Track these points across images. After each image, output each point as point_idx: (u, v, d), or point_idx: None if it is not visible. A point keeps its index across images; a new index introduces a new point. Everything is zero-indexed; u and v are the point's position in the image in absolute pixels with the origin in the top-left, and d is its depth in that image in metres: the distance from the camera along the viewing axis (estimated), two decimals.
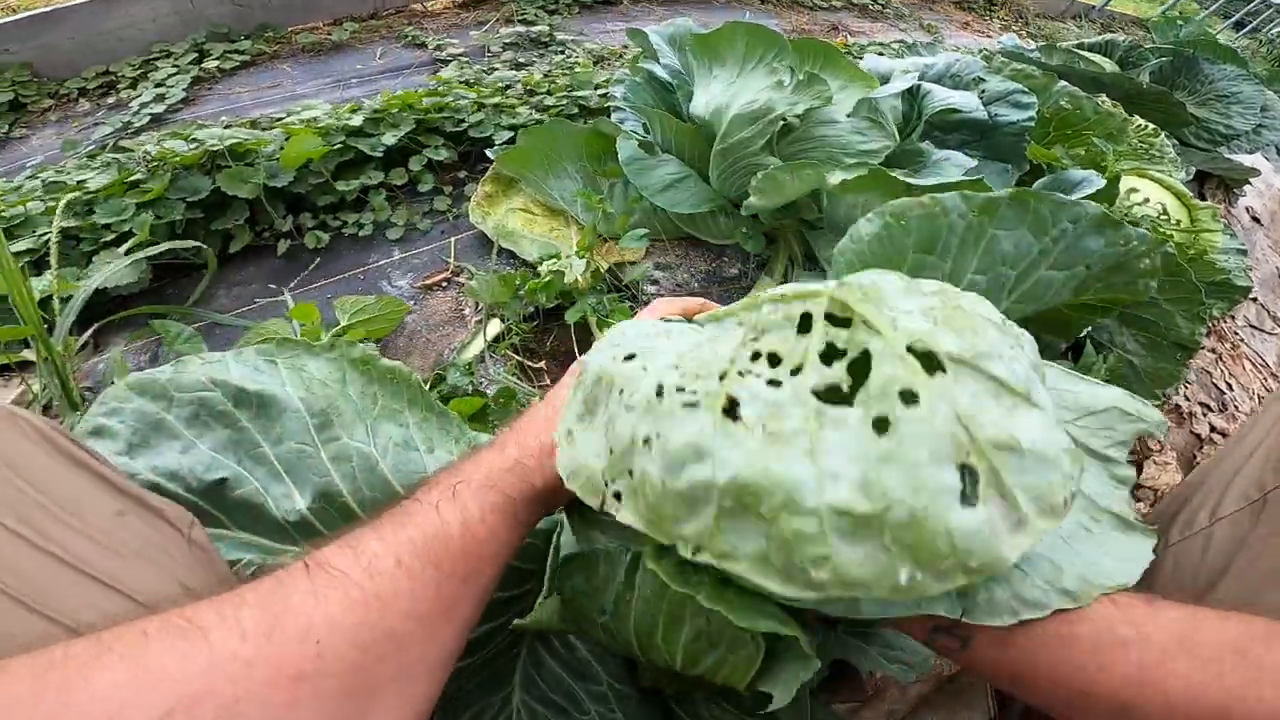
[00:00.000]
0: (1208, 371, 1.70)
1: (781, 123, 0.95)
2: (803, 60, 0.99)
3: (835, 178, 0.91)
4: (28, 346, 0.92)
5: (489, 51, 1.95)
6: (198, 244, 1.03)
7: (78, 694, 0.27)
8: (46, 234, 1.04)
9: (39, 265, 1.02)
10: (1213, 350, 1.79)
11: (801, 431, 0.32)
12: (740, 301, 0.48)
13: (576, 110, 1.47)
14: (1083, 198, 0.93)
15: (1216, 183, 2.87)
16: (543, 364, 1.00)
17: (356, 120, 1.28)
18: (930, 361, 0.33)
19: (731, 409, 0.34)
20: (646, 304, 1.04)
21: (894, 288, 0.40)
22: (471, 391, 0.88)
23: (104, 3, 1.77)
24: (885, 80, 1.24)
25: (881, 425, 0.32)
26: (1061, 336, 0.86)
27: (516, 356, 0.98)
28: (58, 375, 0.75)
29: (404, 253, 1.19)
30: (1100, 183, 0.97)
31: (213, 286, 1.10)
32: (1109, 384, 0.59)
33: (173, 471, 0.64)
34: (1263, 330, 2.00)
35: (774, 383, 0.34)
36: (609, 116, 1.35)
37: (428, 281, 1.11)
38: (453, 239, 1.21)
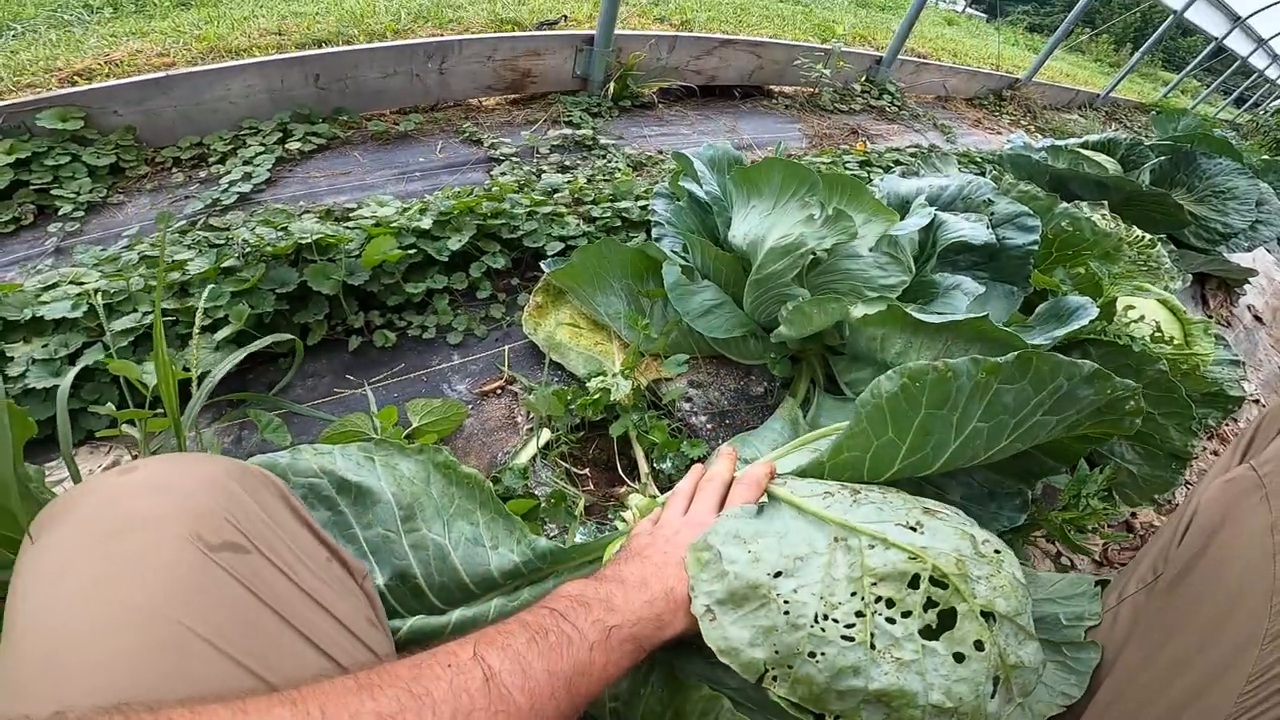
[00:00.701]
0: (1204, 467, 1.76)
1: (811, 257, 1.08)
2: (831, 194, 1.12)
3: (857, 311, 1.04)
4: (130, 423, 1.05)
5: (538, 152, 2.15)
6: (291, 336, 1.16)
7: None
8: (148, 312, 1.18)
9: (137, 344, 1.14)
10: (1214, 453, 1.86)
11: (915, 660, 0.57)
12: (799, 445, 0.89)
13: (619, 222, 1.64)
14: (1079, 325, 1.06)
15: (1217, 282, 2.96)
16: (586, 471, 1.12)
17: (426, 223, 1.44)
18: (989, 618, 0.59)
19: (871, 642, 0.57)
20: (682, 420, 1.19)
21: (971, 558, 0.62)
22: (524, 493, 1.00)
23: (209, 75, 1.93)
24: (905, 206, 1.39)
25: (959, 658, 0.57)
26: (1063, 461, 0.96)
27: (564, 464, 1.11)
28: None
29: (462, 358, 1.33)
30: (1094, 312, 1.09)
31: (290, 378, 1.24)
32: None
33: None
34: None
35: (891, 620, 0.58)
36: (649, 231, 1.52)
37: (484, 389, 1.25)
38: (506, 347, 1.35)
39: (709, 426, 1.21)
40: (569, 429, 1.12)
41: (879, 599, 0.58)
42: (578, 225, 1.58)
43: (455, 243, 1.43)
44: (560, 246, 1.51)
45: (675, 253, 1.35)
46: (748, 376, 1.31)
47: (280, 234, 1.31)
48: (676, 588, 0.61)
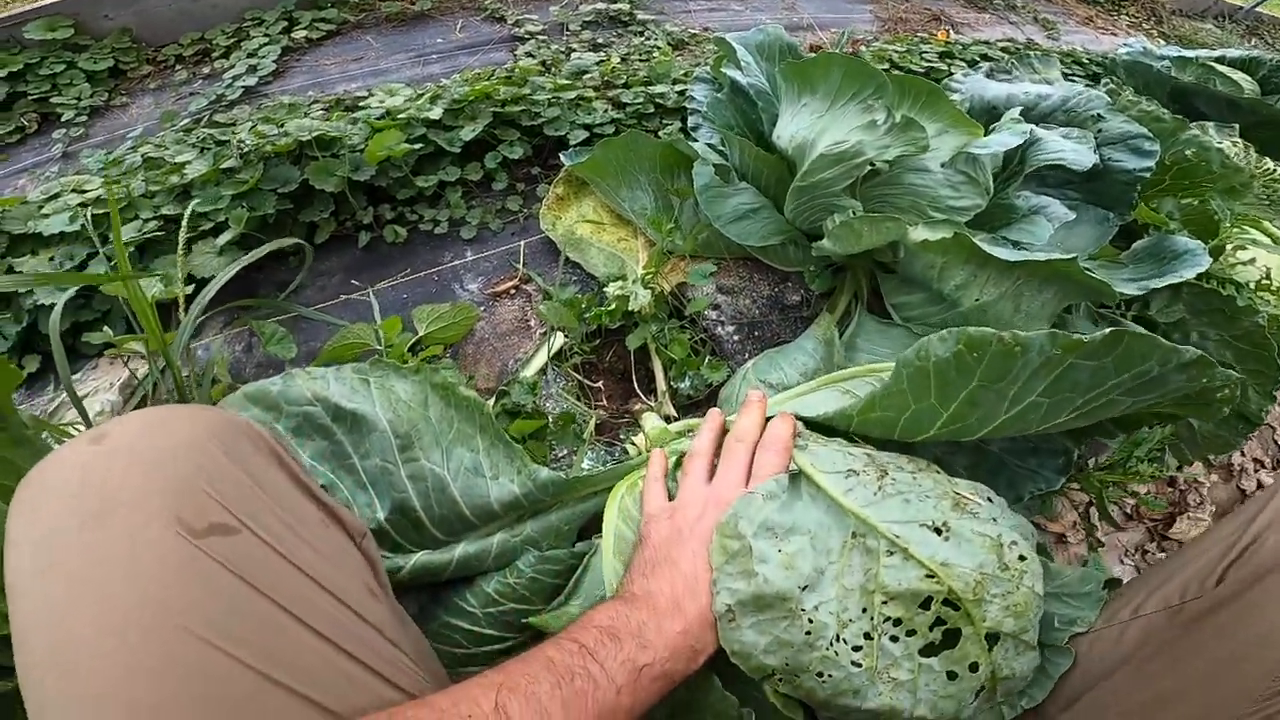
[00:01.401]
0: (1271, 426, 1.61)
1: (869, 167, 0.91)
2: (902, 97, 0.92)
3: (917, 234, 0.88)
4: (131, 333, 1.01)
5: (567, 29, 1.91)
6: (299, 241, 1.09)
7: None
8: (150, 218, 1.12)
9: (143, 251, 1.09)
10: None
11: (910, 680, 0.57)
12: (829, 383, 0.82)
13: (653, 109, 1.45)
14: (1185, 275, 0.88)
15: None
16: (600, 383, 1.04)
17: (436, 112, 1.30)
18: (993, 639, 0.58)
19: (875, 664, 0.57)
20: (707, 330, 1.07)
21: (992, 576, 0.58)
22: (532, 410, 0.92)
23: None
24: (991, 113, 1.16)
25: (952, 675, 0.57)
26: (1127, 430, 0.85)
27: (576, 375, 1.02)
28: (176, 382, 0.83)
29: (476, 254, 1.23)
30: (1204, 263, 0.90)
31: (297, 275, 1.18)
32: None
33: None
34: None
35: (895, 639, 0.57)
36: (685, 119, 1.34)
37: (497, 289, 1.15)
38: (522, 242, 1.23)
39: (736, 338, 1.09)
40: (583, 337, 1.03)
41: (888, 619, 0.57)
42: (605, 111, 1.41)
43: (468, 133, 1.29)
44: (585, 135, 1.34)
45: (711, 146, 1.18)
46: (783, 283, 1.18)
47: (279, 131, 1.21)
48: (705, 593, 0.58)
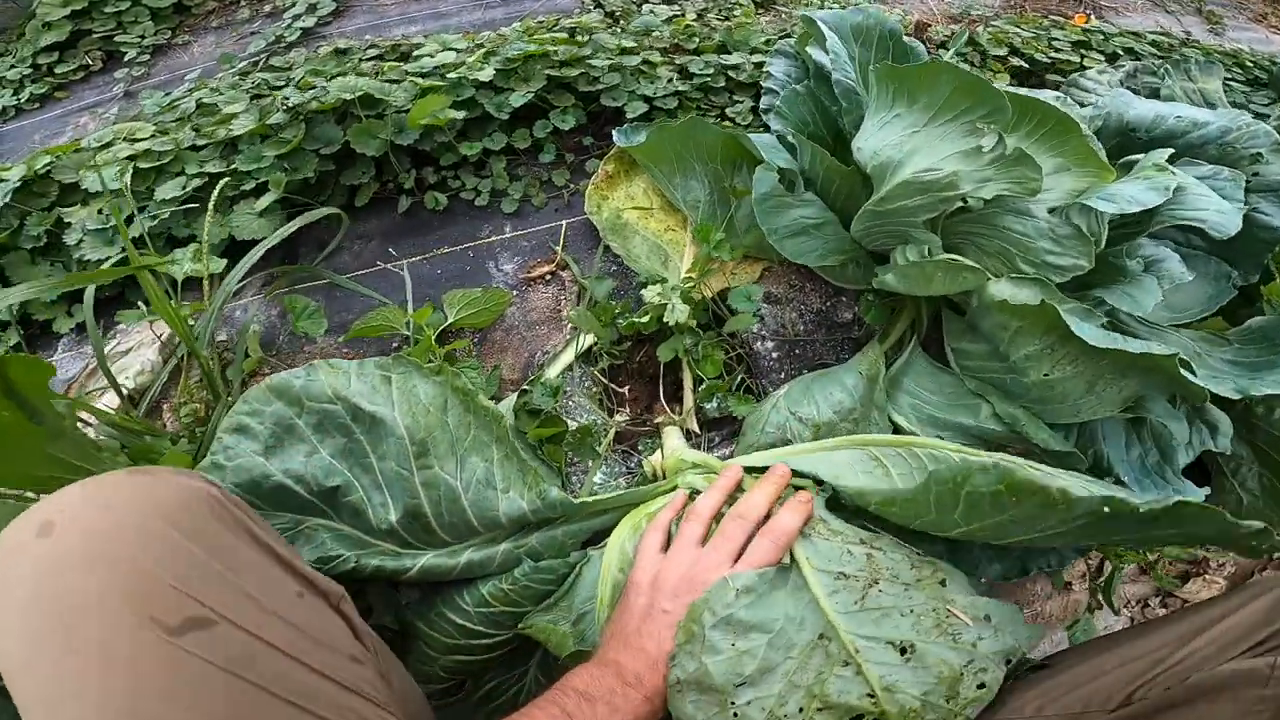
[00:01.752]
0: None
1: (959, 203, 0.80)
2: (1021, 121, 0.77)
3: (998, 291, 0.78)
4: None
5: None
6: (334, 210, 1.07)
7: None
8: (195, 174, 1.11)
9: (187, 211, 1.09)
10: None
11: None
12: (856, 444, 0.78)
13: (723, 82, 1.33)
14: None
15: None
16: (626, 387, 1.00)
17: (487, 73, 1.22)
18: None
19: None
20: (745, 345, 1.02)
21: (934, 705, 0.59)
22: (551, 414, 0.91)
23: None
24: (1126, 137, 0.98)
25: None
26: None
27: (603, 380, 0.99)
28: (203, 369, 0.84)
29: (515, 230, 1.18)
30: None
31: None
32: None
33: (299, 475, 0.75)
34: None
35: None
36: (760, 97, 1.22)
37: (532, 274, 1.12)
38: (564, 222, 1.18)
39: (774, 355, 1.03)
40: (611, 342, 0.99)
41: None
42: (670, 81, 1.30)
43: (519, 98, 1.22)
44: (644, 108, 1.25)
45: (781, 139, 1.08)
46: (836, 297, 1.09)
47: (323, 88, 1.17)
48: (666, 665, 0.62)
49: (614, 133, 1.16)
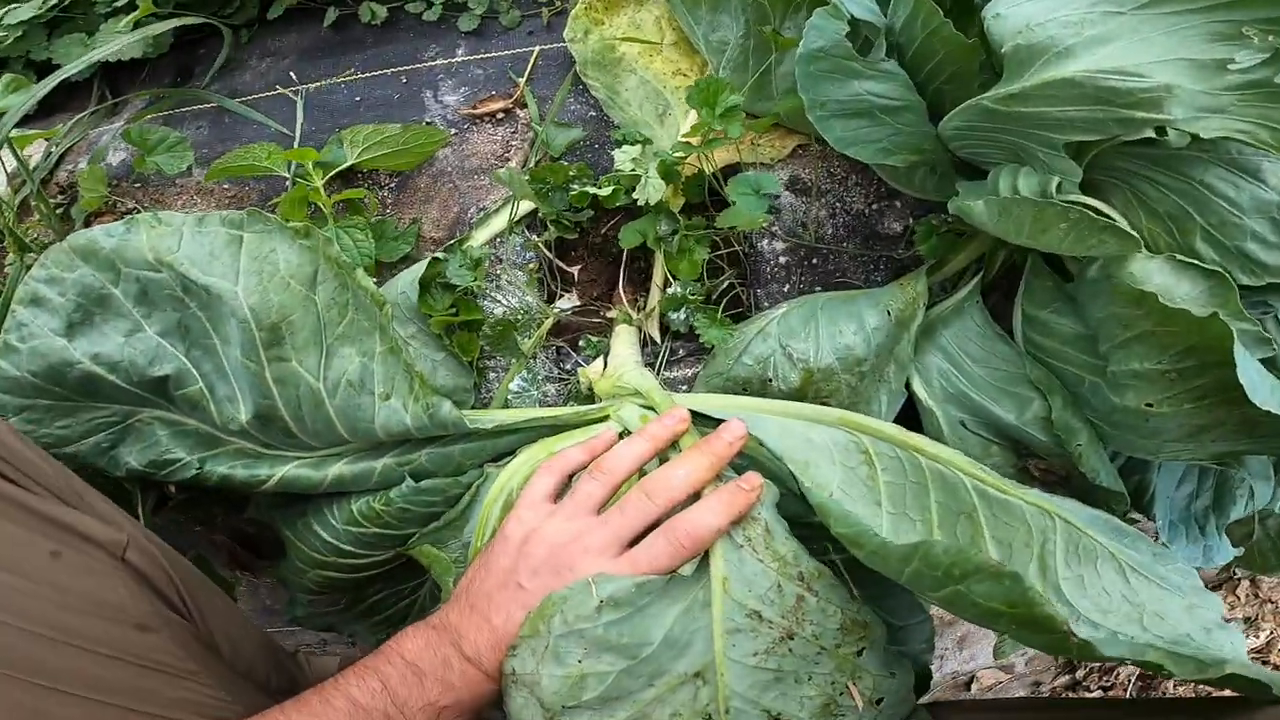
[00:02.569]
0: None
1: (1149, 132, 0.51)
2: None
3: (1146, 274, 0.53)
4: None
5: None
6: (206, 18, 0.83)
7: None
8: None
9: (51, 27, 0.87)
10: None
11: None
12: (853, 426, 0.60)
13: None
14: None
15: None
16: (576, 269, 0.78)
17: None
18: None
19: None
20: (748, 241, 0.76)
21: None
22: (468, 295, 0.71)
23: None
24: None
25: None
26: None
27: (547, 254, 0.77)
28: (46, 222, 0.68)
29: (470, 53, 0.90)
30: None
31: (243, 53, 0.92)
32: None
33: (114, 363, 0.60)
34: None
35: None
36: None
37: (478, 109, 0.85)
38: (537, 48, 0.89)
39: (782, 262, 0.77)
40: (563, 208, 0.76)
41: None
42: None
43: None
44: None
45: None
46: (888, 200, 0.79)
47: None
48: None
49: None
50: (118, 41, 0.77)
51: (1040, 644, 0.45)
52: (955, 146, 0.68)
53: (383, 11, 0.93)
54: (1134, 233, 0.53)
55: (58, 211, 0.77)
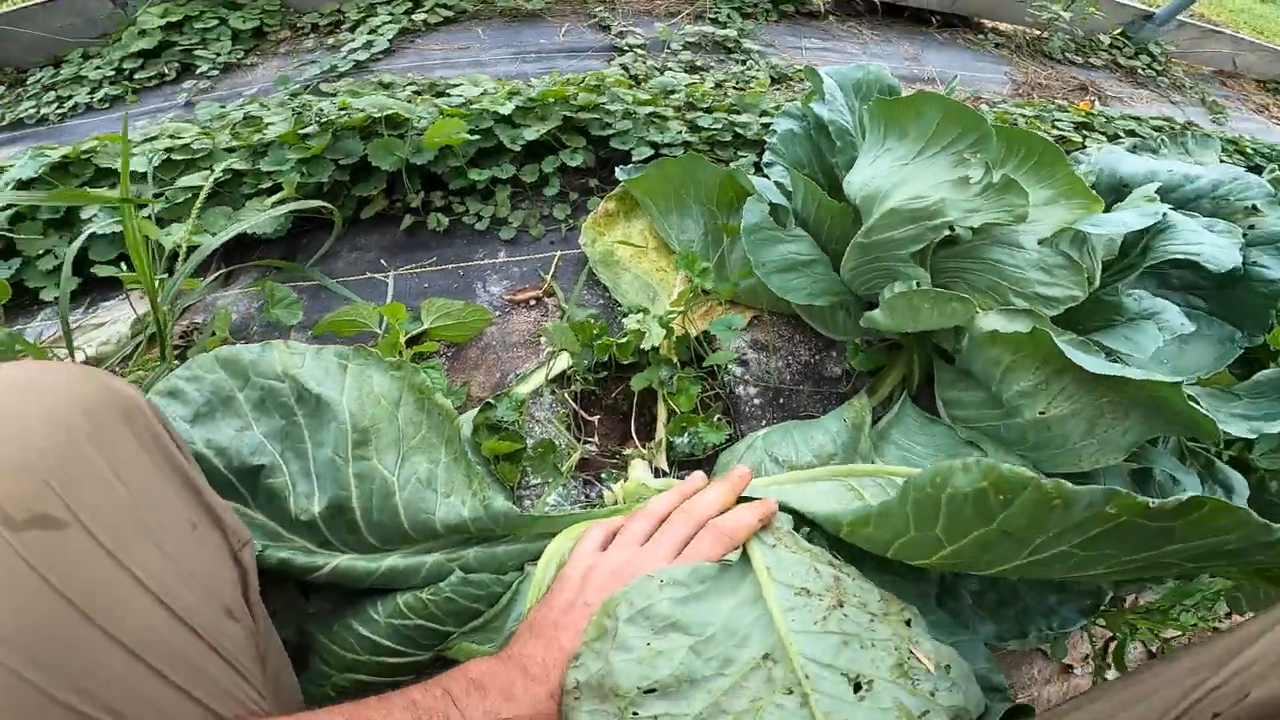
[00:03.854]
0: None
1: (946, 232, 0.78)
2: (1009, 154, 0.78)
3: (987, 322, 0.75)
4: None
5: (669, 47, 1.88)
6: (327, 204, 1.09)
7: None
8: (222, 169, 1.15)
9: (208, 200, 1.11)
10: None
11: None
12: (835, 475, 0.71)
13: (730, 137, 1.37)
14: None
15: None
16: (597, 417, 0.96)
17: (508, 108, 1.28)
18: None
19: None
20: (727, 388, 0.98)
21: None
22: (513, 431, 0.86)
23: None
24: (1121, 191, 0.99)
25: None
26: (1178, 578, 0.71)
27: (573, 404, 0.95)
28: (158, 327, 0.83)
29: (509, 255, 1.19)
30: None
31: (338, 245, 1.18)
32: None
33: (222, 448, 0.69)
34: None
35: None
36: (761, 153, 1.25)
37: (517, 296, 1.11)
38: (559, 253, 1.18)
39: (756, 403, 0.98)
40: (591, 366, 0.96)
41: None
42: (679, 132, 1.34)
43: (533, 133, 1.27)
44: (650, 153, 1.29)
45: (780, 185, 1.09)
46: (826, 351, 1.06)
47: (356, 106, 1.23)
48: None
49: (618, 170, 1.18)
50: (259, 217, 0.99)
51: (1026, 505, 0.47)
52: (855, 286, 0.95)
53: (446, 221, 1.22)
54: (969, 298, 0.75)
55: (174, 353, 0.92)
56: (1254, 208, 0.88)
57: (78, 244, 0.84)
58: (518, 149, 1.26)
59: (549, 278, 1.14)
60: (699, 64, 1.81)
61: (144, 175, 1.13)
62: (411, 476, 0.73)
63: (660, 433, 0.92)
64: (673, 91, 1.51)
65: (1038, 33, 2.76)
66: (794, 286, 0.92)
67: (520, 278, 1.15)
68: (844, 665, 0.51)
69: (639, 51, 1.81)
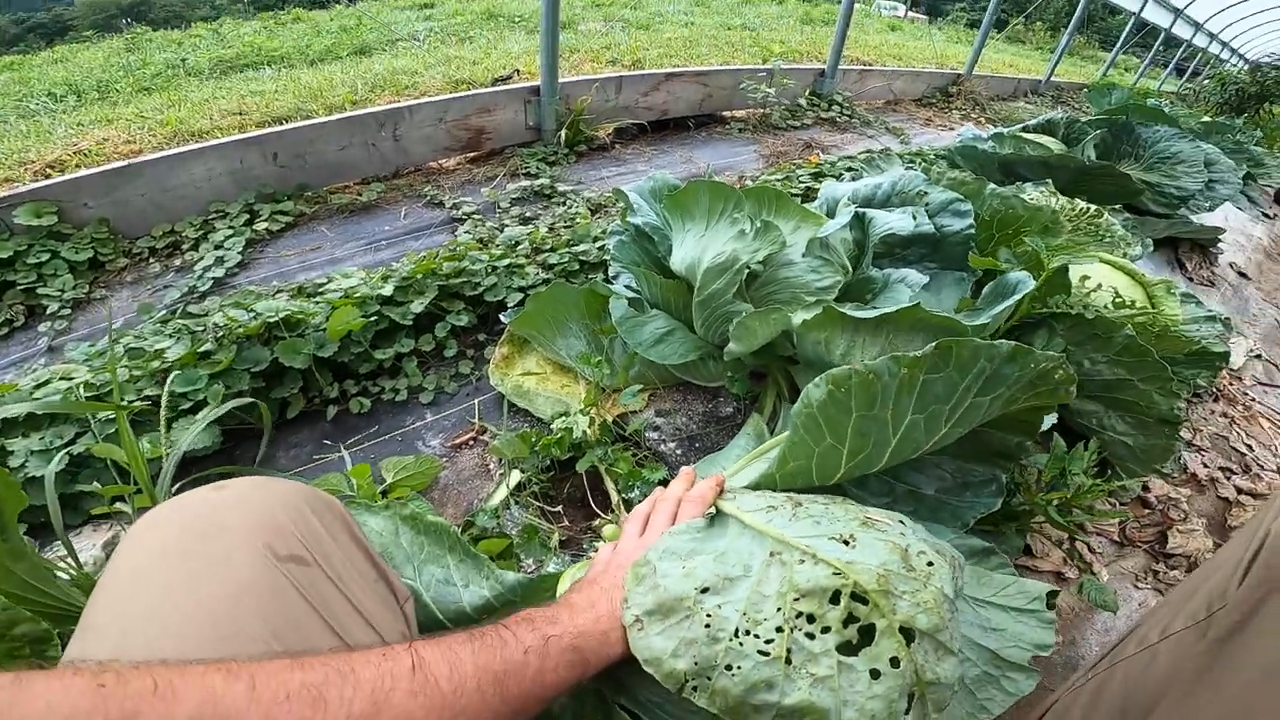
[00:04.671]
0: (1223, 436, 1.74)
1: (747, 271, 1.11)
2: (760, 207, 1.15)
3: (797, 319, 1.06)
4: (123, 500, 1.08)
5: (499, 207, 2.22)
6: (255, 400, 1.21)
7: None
8: (134, 400, 1.23)
9: (133, 426, 1.16)
10: (1224, 414, 1.84)
11: (830, 676, 0.58)
12: (755, 457, 0.89)
13: (578, 266, 1.69)
14: (1017, 299, 1.08)
15: (1190, 245, 2.93)
16: (560, 508, 1.15)
17: (388, 289, 1.50)
18: (908, 635, 0.59)
19: (788, 657, 0.58)
20: (651, 450, 1.22)
21: (898, 574, 0.63)
22: (497, 533, 1.03)
23: (170, 161, 2.00)
24: (834, 211, 1.41)
25: (875, 674, 0.57)
26: (1022, 435, 0.96)
27: (537, 503, 1.14)
28: None
29: (435, 415, 1.37)
30: (1030, 284, 1.12)
31: (272, 448, 1.28)
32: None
33: None
34: (1275, 386, 2.04)
35: (810, 635, 0.59)
36: (607, 270, 1.57)
37: (457, 441, 1.29)
38: (477, 400, 1.39)
39: (679, 452, 1.23)
40: (539, 470, 1.16)
41: (800, 614, 0.59)
42: (536, 274, 1.64)
43: (418, 305, 1.49)
44: (520, 296, 1.56)
45: (629, 287, 1.40)
46: (715, 399, 1.35)
47: (250, 315, 1.37)
48: (621, 608, 0.63)
49: (502, 316, 1.44)
50: (197, 427, 1.08)
51: (863, 391, 0.70)
52: (709, 336, 1.25)
53: (367, 403, 1.38)
54: (781, 309, 1.05)
55: None
56: (922, 192, 1.34)
57: (52, 471, 0.91)
58: (409, 323, 1.47)
59: (477, 421, 1.33)
60: (529, 215, 2.16)
61: (64, 417, 1.18)
62: (431, 580, 0.87)
63: (615, 497, 1.13)
64: (518, 243, 1.82)
65: (762, 111, 3.55)
66: (667, 353, 1.21)
67: (451, 428, 1.33)
68: (828, 533, 0.65)
69: (475, 217, 2.12)
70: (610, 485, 1.15)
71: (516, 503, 1.14)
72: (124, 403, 1.00)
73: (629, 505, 1.13)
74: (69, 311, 1.73)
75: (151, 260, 1.95)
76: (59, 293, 1.77)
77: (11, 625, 0.63)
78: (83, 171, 1.95)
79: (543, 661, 0.55)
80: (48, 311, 1.72)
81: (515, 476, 1.15)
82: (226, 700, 0.37)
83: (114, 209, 1.96)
